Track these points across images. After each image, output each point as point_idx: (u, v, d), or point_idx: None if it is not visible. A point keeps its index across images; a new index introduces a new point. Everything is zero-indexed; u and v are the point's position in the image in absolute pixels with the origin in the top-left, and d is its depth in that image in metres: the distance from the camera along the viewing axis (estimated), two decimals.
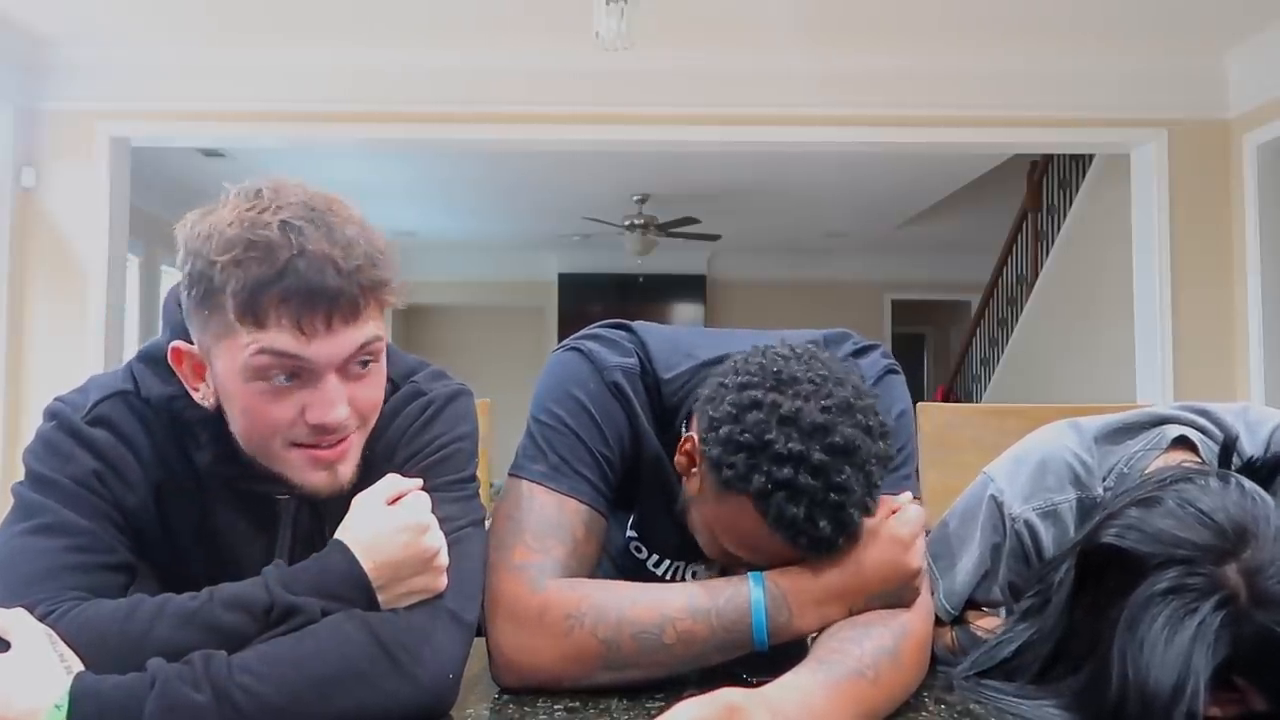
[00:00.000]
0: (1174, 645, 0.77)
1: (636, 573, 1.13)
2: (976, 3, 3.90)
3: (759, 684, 0.82)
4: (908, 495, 0.98)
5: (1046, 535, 1.05)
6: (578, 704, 0.91)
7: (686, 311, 9.76)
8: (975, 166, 6.34)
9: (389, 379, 1.02)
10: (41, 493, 0.91)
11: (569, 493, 1.01)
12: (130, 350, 5.86)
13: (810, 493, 0.86)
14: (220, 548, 0.99)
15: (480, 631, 0.96)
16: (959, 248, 9.23)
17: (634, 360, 1.07)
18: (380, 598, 0.87)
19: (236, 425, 0.91)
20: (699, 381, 1.01)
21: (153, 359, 0.97)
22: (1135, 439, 1.06)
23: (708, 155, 5.62)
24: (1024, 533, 1.05)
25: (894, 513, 0.95)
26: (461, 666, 0.89)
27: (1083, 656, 0.86)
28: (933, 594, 1.05)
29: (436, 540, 0.89)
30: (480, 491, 1.05)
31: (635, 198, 7.31)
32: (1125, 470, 1.02)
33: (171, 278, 6.76)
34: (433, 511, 0.92)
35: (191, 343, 0.91)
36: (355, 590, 0.86)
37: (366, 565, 0.86)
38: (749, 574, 0.94)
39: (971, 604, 1.12)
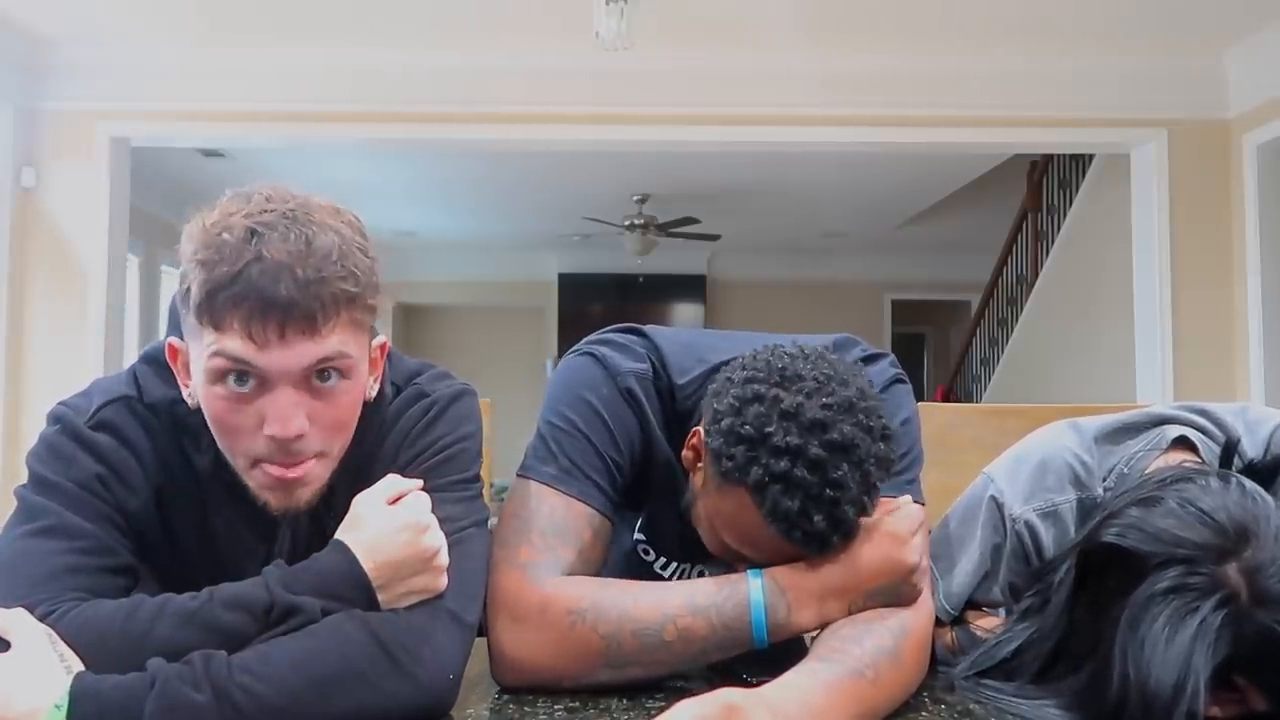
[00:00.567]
0: (1175, 645, 0.77)
1: (643, 575, 1.13)
2: (976, 3, 3.90)
3: (759, 683, 0.82)
4: (907, 497, 0.98)
5: (1047, 536, 1.05)
6: (578, 704, 0.91)
7: (686, 311, 9.77)
8: (975, 166, 6.34)
9: (391, 383, 1.02)
10: (44, 495, 0.91)
11: (578, 496, 1.01)
12: (130, 350, 5.86)
13: (806, 487, 0.87)
14: (221, 550, 0.99)
15: (481, 631, 0.96)
16: (959, 248, 9.23)
17: (647, 366, 1.07)
18: (380, 597, 0.87)
19: (212, 431, 0.91)
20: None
21: (156, 361, 0.98)
22: (1135, 439, 1.06)
23: (708, 155, 5.62)
24: (1024, 533, 1.05)
25: (892, 511, 0.95)
26: (462, 667, 0.89)
27: (1083, 656, 0.86)
28: (933, 594, 1.05)
29: (436, 540, 0.89)
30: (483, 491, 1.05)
31: (635, 198, 7.31)
32: (1125, 470, 1.03)
33: (171, 278, 6.77)
34: (435, 512, 0.92)
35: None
36: (355, 590, 0.86)
37: (366, 565, 0.86)
38: (748, 571, 0.94)
39: (972, 604, 1.12)
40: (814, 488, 0.87)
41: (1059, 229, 6.49)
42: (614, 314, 9.21)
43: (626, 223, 7.39)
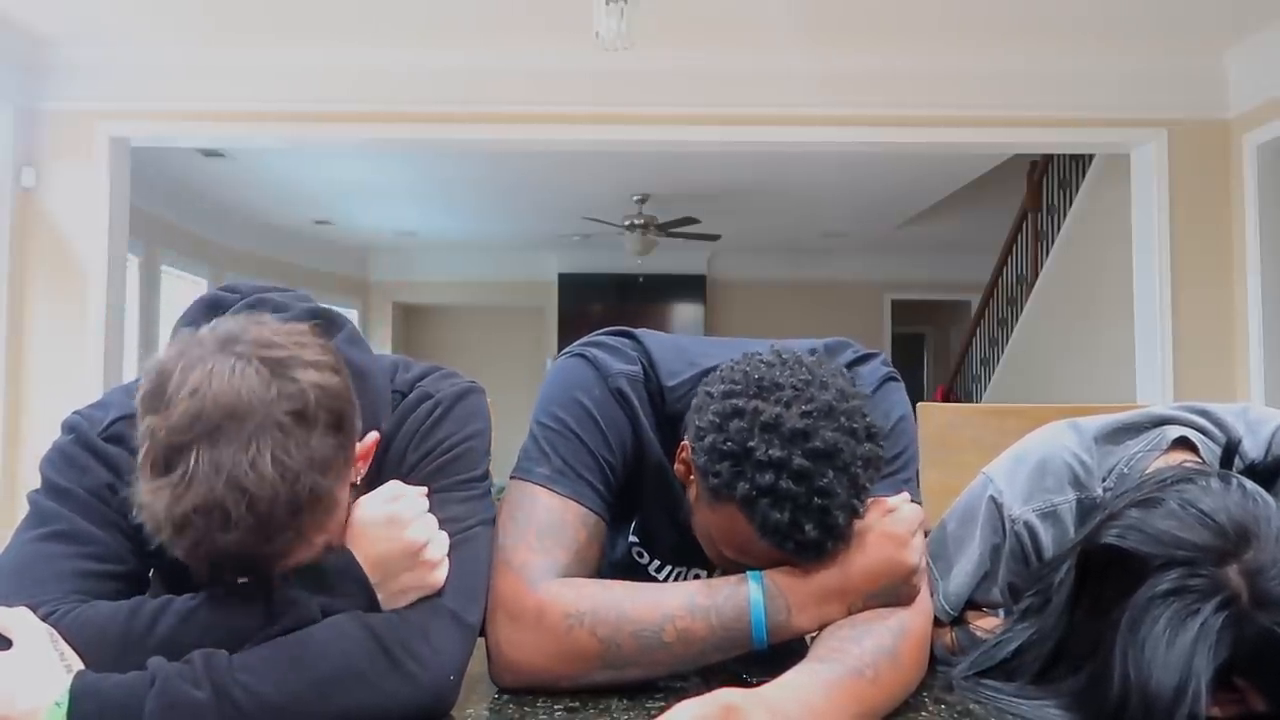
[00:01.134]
0: (1175, 647, 0.77)
1: (638, 579, 1.13)
2: (976, 3, 3.90)
3: (758, 684, 0.82)
4: (904, 496, 0.98)
5: (1046, 536, 1.05)
6: (578, 704, 0.91)
7: (686, 311, 9.77)
8: (975, 166, 6.35)
9: (395, 390, 1.02)
10: (57, 501, 0.92)
11: (572, 496, 1.01)
12: (130, 350, 5.86)
13: (793, 498, 0.87)
14: None
15: (481, 632, 0.96)
16: (959, 248, 9.23)
17: (638, 368, 1.08)
18: (379, 596, 0.87)
19: None
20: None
21: None
22: (1135, 439, 1.06)
23: (708, 155, 5.62)
24: (1023, 534, 1.05)
25: (890, 512, 0.95)
26: (463, 667, 0.89)
27: (1083, 657, 0.86)
28: (932, 594, 1.05)
29: (420, 534, 0.89)
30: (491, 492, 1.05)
31: (635, 198, 7.31)
32: (1125, 470, 1.02)
33: (172, 278, 6.74)
34: (440, 511, 0.93)
35: None
36: (353, 585, 0.86)
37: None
38: (748, 573, 0.94)
39: (971, 604, 1.12)
40: (801, 498, 0.87)
41: (1059, 229, 6.49)
42: (614, 314, 9.25)
43: (626, 223, 7.39)
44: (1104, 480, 1.04)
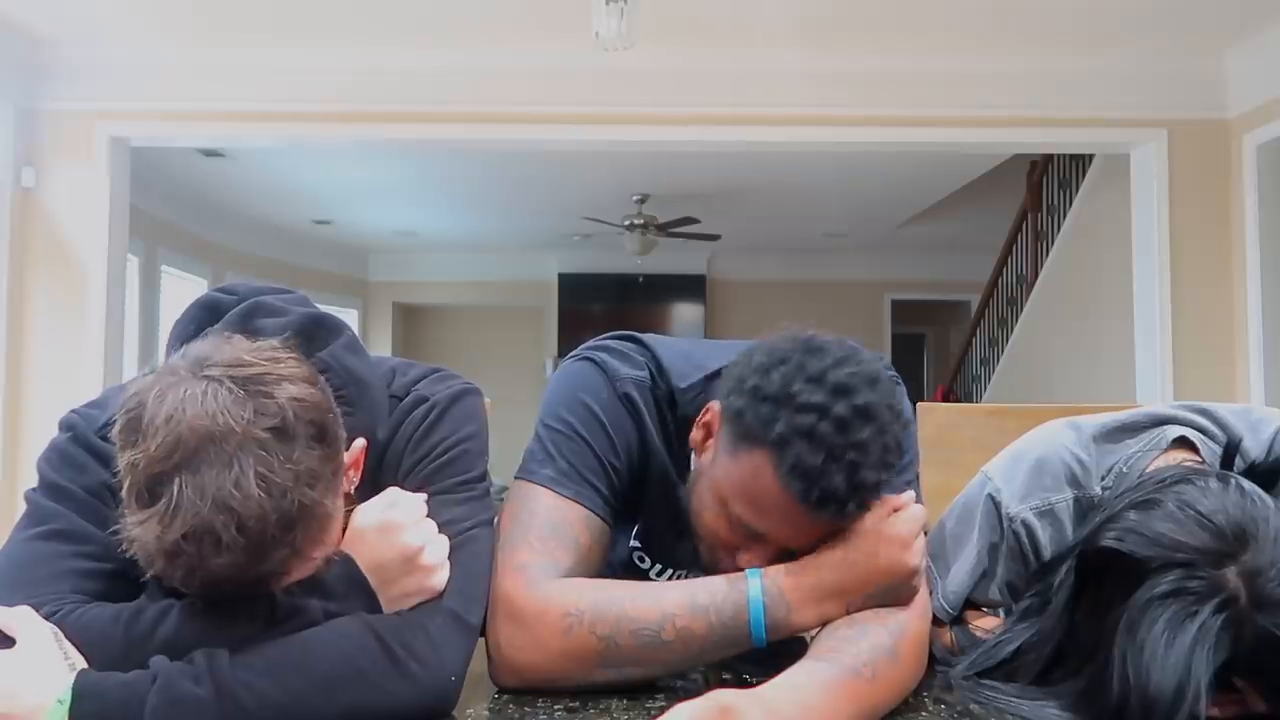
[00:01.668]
0: (1175, 649, 0.77)
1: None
2: (976, 3, 3.90)
3: (758, 683, 0.82)
4: (910, 495, 0.98)
5: (1044, 535, 1.05)
6: (578, 704, 0.91)
7: (686, 311, 9.77)
8: (975, 166, 6.35)
9: (392, 396, 1.02)
10: (55, 500, 0.93)
11: (575, 498, 1.02)
12: (130, 349, 5.87)
13: (829, 443, 0.87)
14: None
15: (481, 632, 0.96)
16: (959, 248, 9.23)
17: (645, 374, 1.08)
18: (380, 601, 0.87)
19: None
20: (710, 392, 1.03)
21: None
22: (1135, 439, 1.06)
23: (708, 155, 5.62)
24: (1021, 532, 1.05)
25: (894, 511, 0.95)
26: (464, 667, 0.89)
27: (1083, 659, 0.86)
28: (931, 594, 1.05)
29: (416, 538, 0.89)
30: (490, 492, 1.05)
31: (635, 198, 7.32)
32: (1124, 470, 1.02)
33: (171, 278, 6.73)
34: (439, 514, 0.93)
35: None
36: (354, 588, 0.87)
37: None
38: (747, 571, 0.94)
39: (971, 604, 1.12)
40: (838, 447, 0.87)
41: (1059, 229, 6.49)
42: (614, 314, 9.26)
43: (626, 223, 7.39)
44: (1102, 479, 1.04)
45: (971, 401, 8.13)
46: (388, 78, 4.39)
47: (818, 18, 4.04)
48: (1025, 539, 1.05)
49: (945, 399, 8.57)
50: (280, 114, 4.48)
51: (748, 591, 0.92)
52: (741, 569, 0.95)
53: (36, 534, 0.91)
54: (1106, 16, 4.00)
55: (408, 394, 1.03)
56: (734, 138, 4.57)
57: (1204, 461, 1.01)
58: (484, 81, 4.42)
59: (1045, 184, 6.82)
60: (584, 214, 7.67)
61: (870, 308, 9.86)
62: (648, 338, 1.12)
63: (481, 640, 0.96)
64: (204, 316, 0.99)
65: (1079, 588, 0.89)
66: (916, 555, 0.94)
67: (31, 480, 0.97)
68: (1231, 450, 1.01)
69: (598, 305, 9.54)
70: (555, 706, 0.91)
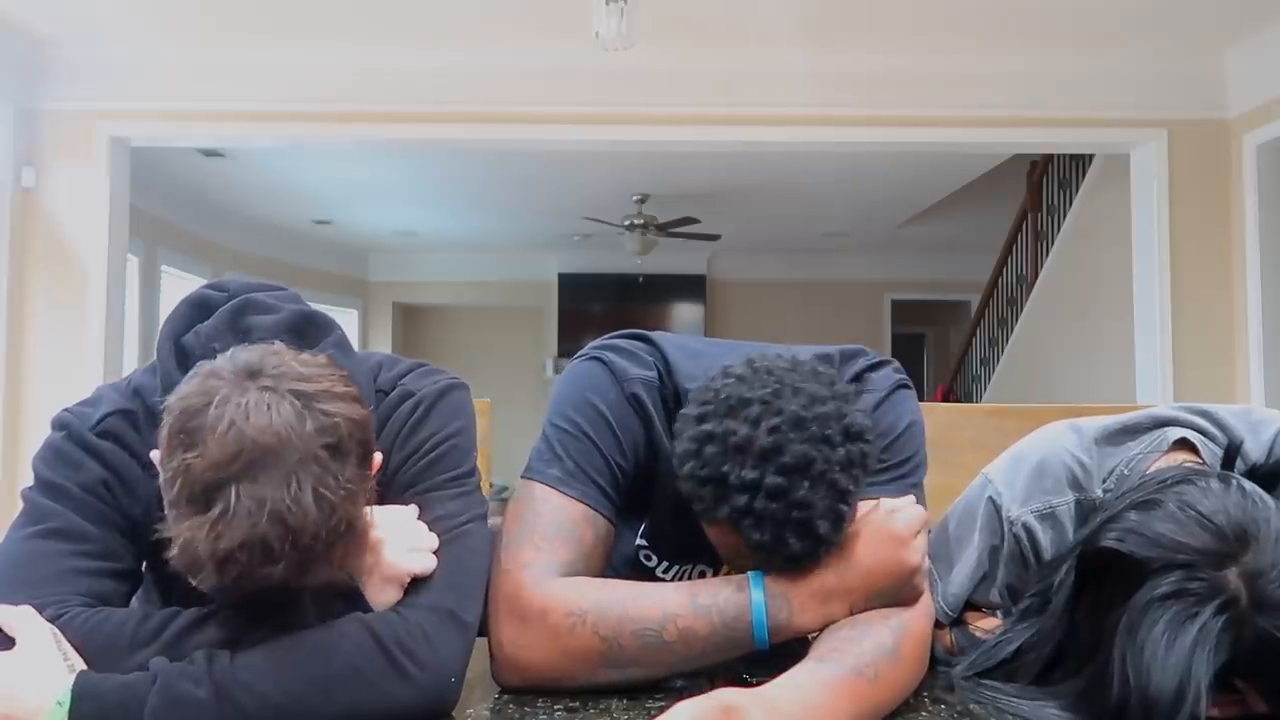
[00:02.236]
0: (1175, 650, 0.77)
1: (644, 580, 1.13)
2: (976, 3, 3.90)
3: (759, 683, 0.82)
4: (910, 498, 0.98)
5: (1044, 538, 1.04)
6: (578, 704, 0.91)
7: (686, 311, 9.76)
8: (975, 166, 6.34)
9: (378, 390, 1.02)
10: (51, 498, 0.93)
11: (580, 498, 1.02)
12: (130, 349, 5.87)
13: (771, 516, 0.88)
14: None
15: (482, 631, 0.96)
16: (959, 248, 9.23)
17: (653, 373, 1.08)
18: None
19: None
20: None
21: (153, 372, 1.00)
22: (1135, 440, 1.06)
23: (707, 155, 5.61)
24: (1022, 536, 1.05)
25: (892, 512, 0.95)
26: (463, 667, 0.89)
27: (1083, 659, 0.86)
28: (931, 595, 1.05)
29: (397, 557, 0.90)
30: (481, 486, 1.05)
31: (635, 198, 7.31)
32: (1125, 472, 1.02)
33: (171, 278, 6.73)
34: (431, 511, 0.94)
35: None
36: (344, 589, 0.87)
37: None
38: (749, 574, 0.94)
39: (971, 605, 1.12)
40: (780, 514, 0.88)
41: (1059, 229, 6.49)
42: (614, 314, 9.25)
43: (626, 223, 7.39)
44: (1104, 482, 1.04)
45: (971, 401, 8.13)
46: (388, 78, 4.39)
47: (817, 18, 4.03)
48: (1026, 542, 1.05)
49: (945, 399, 8.56)
50: (280, 114, 4.48)
51: (750, 594, 0.92)
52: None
53: (34, 532, 0.91)
54: (1106, 16, 4.00)
55: (393, 389, 1.03)
56: (733, 138, 4.57)
57: (1204, 463, 1.01)
58: (484, 81, 4.42)
59: (1045, 184, 6.82)
60: (584, 214, 7.67)
61: (870, 308, 9.86)
62: (657, 336, 1.12)
63: (483, 640, 0.96)
64: (194, 314, 0.99)
65: (1079, 588, 0.89)
66: (917, 553, 0.94)
67: (31, 479, 0.97)
68: (1232, 452, 1.00)
69: (598, 305, 9.53)
70: (555, 706, 0.91)
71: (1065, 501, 1.05)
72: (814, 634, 0.94)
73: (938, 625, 1.06)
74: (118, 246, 4.44)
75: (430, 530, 0.94)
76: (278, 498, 0.75)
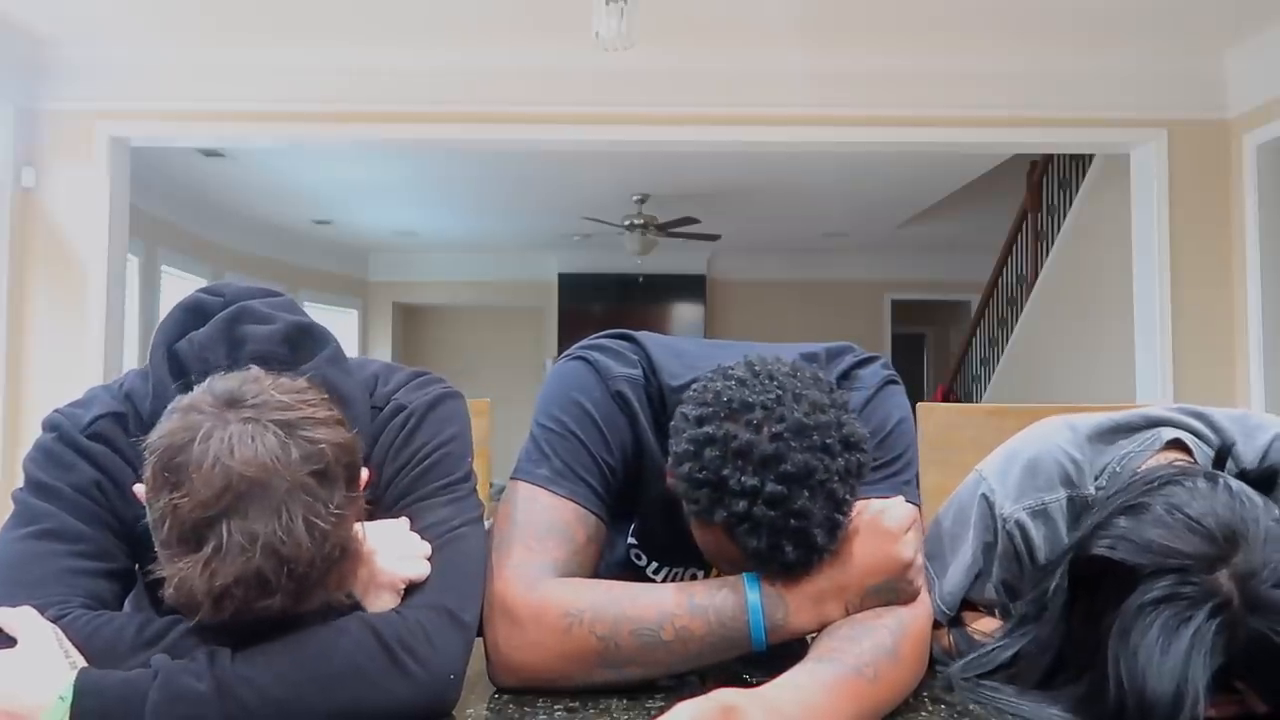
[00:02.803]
0: (1170, 655, 0.77)
1: (636, 580, 1.13)
2: (976, 3, 3.90)
3: (759, 684, 0.82)
4: (899, 499, 0.98)
5: (1037, 535, 1.04)
6: (577, 704, 0.91)
7: (686, 311, 9.76)
8: (975, 166, 6.35)
9: (373, 406, 1.02)
10: (44, 499, 0.93)
11: (570, 497, 1.02)
12: (130, 349, 5.86)
13: (769, 523, 0.88)
14: None
15: (479, 631, 0.96)
16: (959, 248, 9.23)
17: (638, 371, 1.08)
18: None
19: None
20: None
21: (145, 376, 0.99)
22: (1129, 439, 1.06)
23: (707, 155, 5.62)
24: (1015, 533, 1.05)
25: (881, 511, 0.95)
26: (463, 666, 0.89)
27: (1082, 665, 0.86)
28: (929, 593, 1.05)
29: (390, 564, 0.90)
30: (479, 490, 1.05)
31: (635, 198, 7.31)
32: (1118, 469, 1.02)
33: (172, 278, 6.73)
34: (424, 519, 0.94)
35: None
36: (342, 607, 0.87)
37: None
38: (745, 574, 0.94)
39: (969, 605, 1.12)
40: (778, 522, 0.87)
41: (1059, 229, 6.49)
42: (614, 314, 9.25)
43: (626, 223, 7.39)
44: (1096, 479, 1.04)
45: (971, 401, 8.13)
46: (388, 78, 4.39)
47: (818, 18, 4.04)
48: (1019, 539, 1.05)
49: (945, 399, 8.56)
50: (280, 114, 4.48)
51: (746, 595, 0.92)
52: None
53: (28, 533, 0.91)
54: (1106, 16, 4.00)
55: (387, 403, 1.03)
56: (733, 138, 4.57)
57: (1196, 463, 1.01)
58: (484, 81, 4.42)
59: (1045, 184, 6.82)
60: (584, 214, 7.67)
61: (870, 308, 9.86)
62: (641, 335, 1.12)
63: (480, 640, 0.96)
64: (189, 319, 0.99)
65: (1073, 595, 0.89)
66: (909, 548, 0.94)
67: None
68: (1224, 454, 1.00)
69: (598, 305, 9.54)
70: (555, 706, 0.91)
71: (1058, 499, 1.05)
72: (813, 634, 0.94)
73: (936, 625, 1.06)
74: (118, 246, 4.44)
75: (424, 538, 0.94)
76: (269, 530, 0.75)
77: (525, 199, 7.52)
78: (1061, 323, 6.43)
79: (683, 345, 1.13)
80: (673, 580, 1.16)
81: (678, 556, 1.14)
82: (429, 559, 0.92)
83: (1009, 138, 4.67)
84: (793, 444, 0.88)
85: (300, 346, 0.98)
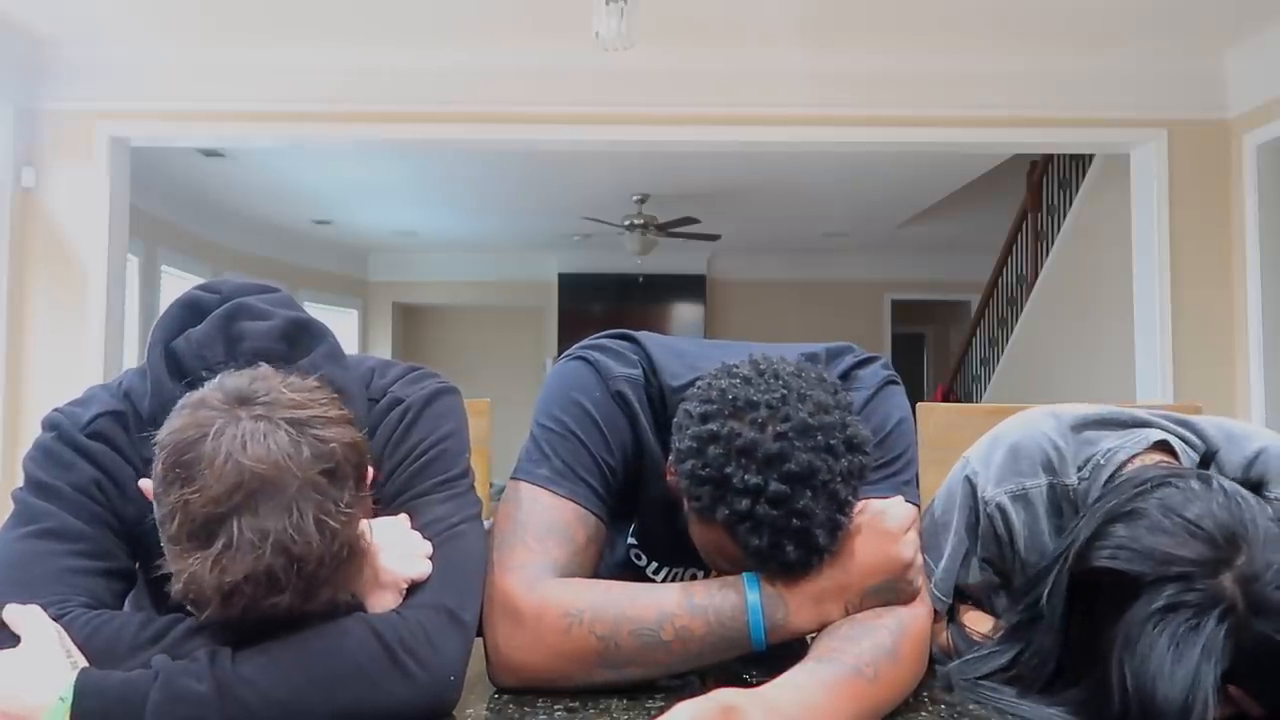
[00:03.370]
0: (1183, 663, 0.76)
1: (636, 580, 1.13)
2: (976, 2, 3.90)
3: (759, 683, 0.82)
4: (899, 498, 0.98)
5: (1017, 519, 1.05)
6: (577, 704, 0.91)
7: (686, 311, 9.76)
8: (975, 166, 6.34)
9: (370, 399, 1.02)
10: (43, 498, 0.93)
11: (570, 496, 1.01)
12: (130, 350, 5.86)
13: (772, 522, 0.88)
14: None
15: (479, 631, 0.96)
16: (959, 248, 9.23)
17: (638, 371, 1.08)
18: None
19: None
20: None
21: (143, 375, 0.99)
22: (1115, 433, 1.06)
23: (707, 155, 5.62)
24: (995, 515, 1.06)
25: (881, 512, 0.95)
26: (463, 666, 0.89)
27: (1081, 672, 0.86)
28: (927, 587, 1.05)
29: (392, 563, 0.90)
30: (479, 490, 1.05)
31: (635, 198, 7.31)
32: (1102, 462, 1.02)
33: (172, 278, 6.72)
34: (422, 516, 0.94)
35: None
36: (347, 607, 0.87)
37: None
38: (745, 574, 0.94)
39: (964, 597, 1.12)
40: (780, 521, 0.87)
41: (1059, 229, 6.49)
42: (614, 314, 9.25)
43: (626, 223, 7.39)
44: (1080, 470, 1.04)
45: (971, 401, 8.13)
46: (388, 78, 4.39)
47: (817, 18, 4.04)
48: (999, 522, 1.06)
49: (945, 399, 8.56)
50: (280, 114, 4.48)
51: (746, 595, 0.92)
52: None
53: (28, 533, 0.91)
54: (1106, 16, 4.00)
55: (384, 396, 1.03)
56: (733, 138, 4.57)
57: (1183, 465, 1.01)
58: (483, 81, 4.42)
59: (1045, 184, 6.82)
60: (584, 214, 7.67)
61: (870, 308, 9.86)
62: (641, 335, 1.12)
63: (480, 640, 0.96)
64: (185, 316, 0.99)
65: (1070, 602, 0.88)
66: (908, 548, 0.94)
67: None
68: (1207, 461, 1.00)
69: (598, 305, 9.53)
70: (555, 706, 0.91)
71: (1038, 484, 1.05)
72: (813, 634, 0.94)
73: (935, 618, 1.07)
74: (118, 246, 4.44)
75: (423, 535, 0.94)
76: (280, 528, 0.75)
77: (525, 199, 7.52)
78: (1061, 323, 6.43)
79: (683, 345, 1.13)
80: (673, 580, 1.16)
81: (678, 556, 1.14)
82: (429, 557, 0.92)
83: (1009, 138, 4.67)
84: (797, 444, 0.88)
85: (297, 342, 0.98)
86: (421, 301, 10.32)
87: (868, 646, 0.88)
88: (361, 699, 0.82)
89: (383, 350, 9.91)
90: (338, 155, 6.19)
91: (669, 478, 1.00)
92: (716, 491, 0.89)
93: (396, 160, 6.45)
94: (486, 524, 1.03)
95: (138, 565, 0.97)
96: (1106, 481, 0.98)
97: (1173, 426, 1.06)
